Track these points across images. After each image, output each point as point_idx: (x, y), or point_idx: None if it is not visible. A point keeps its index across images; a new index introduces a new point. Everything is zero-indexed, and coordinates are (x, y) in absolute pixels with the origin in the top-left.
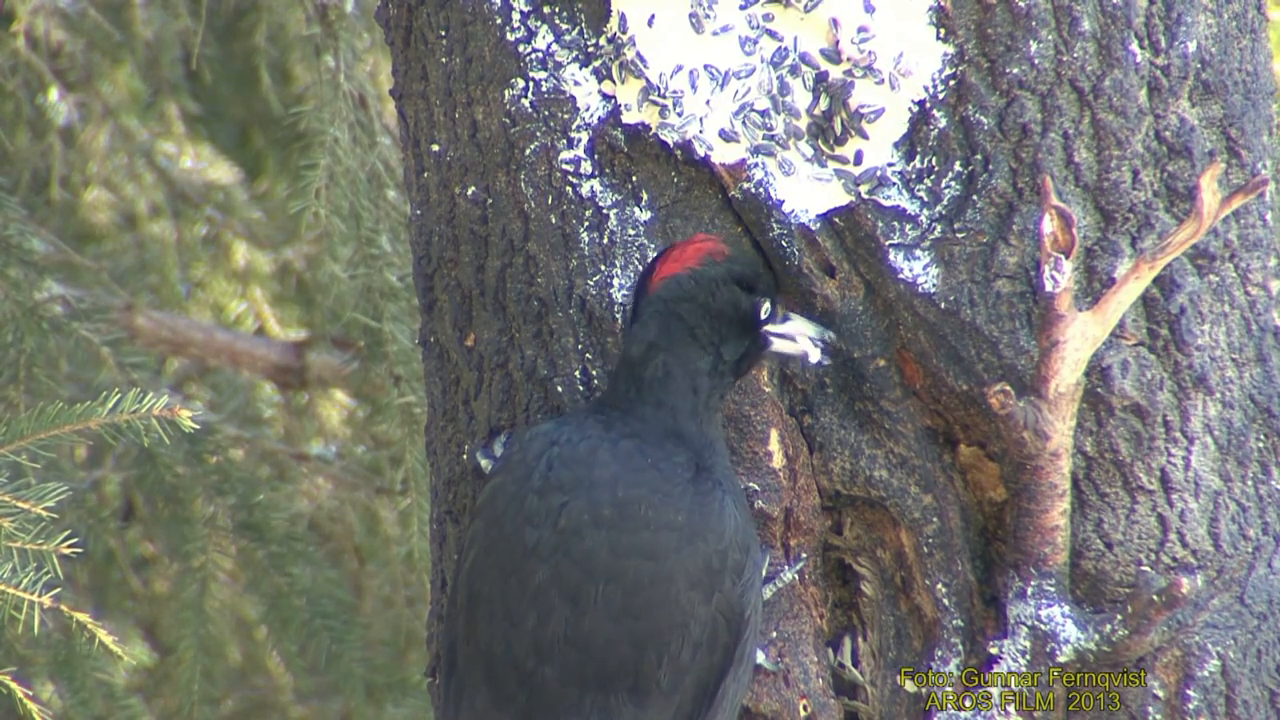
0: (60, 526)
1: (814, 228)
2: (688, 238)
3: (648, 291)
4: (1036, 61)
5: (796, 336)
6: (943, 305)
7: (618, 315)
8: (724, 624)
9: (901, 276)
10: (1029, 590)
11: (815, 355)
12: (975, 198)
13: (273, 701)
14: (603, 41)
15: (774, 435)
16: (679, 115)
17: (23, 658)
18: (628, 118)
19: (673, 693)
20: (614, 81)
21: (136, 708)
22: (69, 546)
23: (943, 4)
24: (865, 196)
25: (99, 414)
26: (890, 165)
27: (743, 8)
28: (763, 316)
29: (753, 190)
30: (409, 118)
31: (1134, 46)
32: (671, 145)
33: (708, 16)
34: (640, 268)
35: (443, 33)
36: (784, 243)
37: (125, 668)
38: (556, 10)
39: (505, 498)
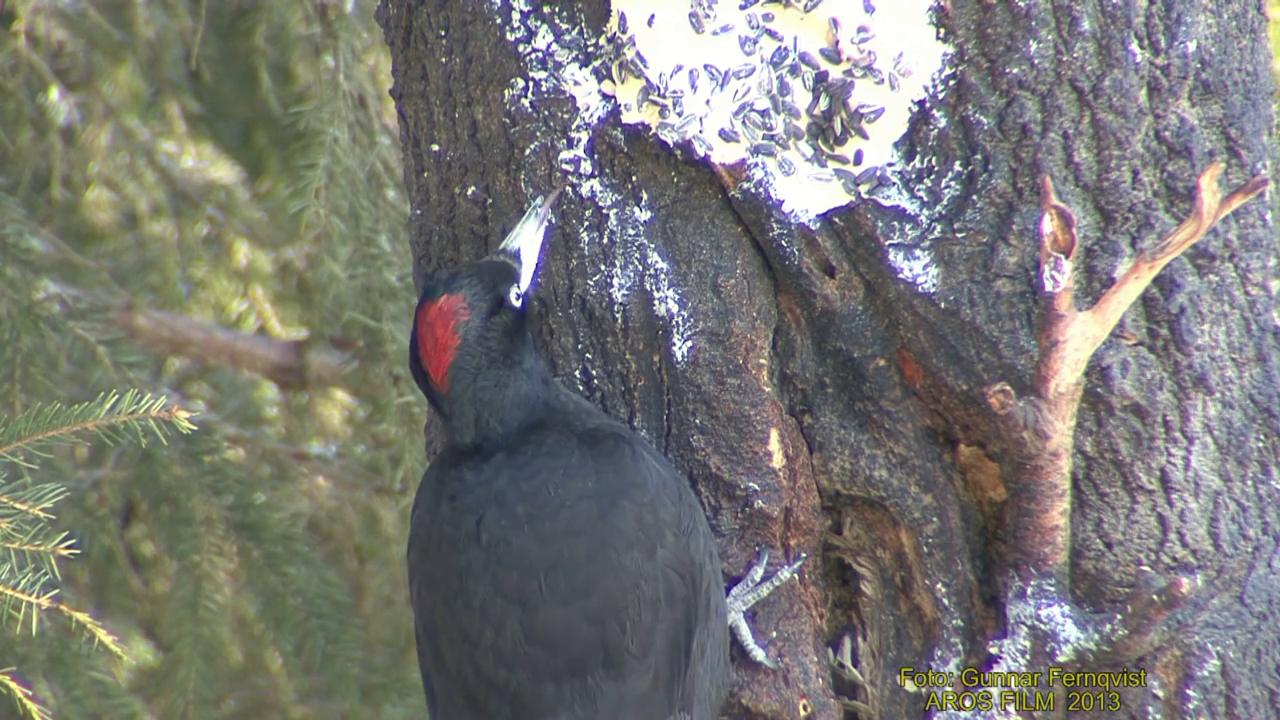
0: (60, 527)
1: (814, 227)
2: (423, 313)
3: (437, 389)
4: (1036, 61)
5: (525, 256)
6: (943, 305)
7: (618, 315)
8: (678, 579)
9: (901, 276)
10: (1029, 590)
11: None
12: (975, 198)
13: (273, 701)
14: (603, 41)
15: (774, 435)
16: (679, 115)
17: (19, 656)
18: (628, 118)
19: (645, 655)
20: (614, 81)
21: (132, 706)
22: (66, 548)
23: (943, 4)
24: (865, 196)
25: (96, 415)
26: (890, 165)
27: (743, 8)
28: (515, 303)
29: (753, 190)
30: (409, 117)
31: (1134, 46)
32: (671, 145)
33: (708, 16)
34: (639, 268)
35: (443, 33)
36: (784, 243)
37: (127, 667)
38: (556, 10)
39: (424, 528)
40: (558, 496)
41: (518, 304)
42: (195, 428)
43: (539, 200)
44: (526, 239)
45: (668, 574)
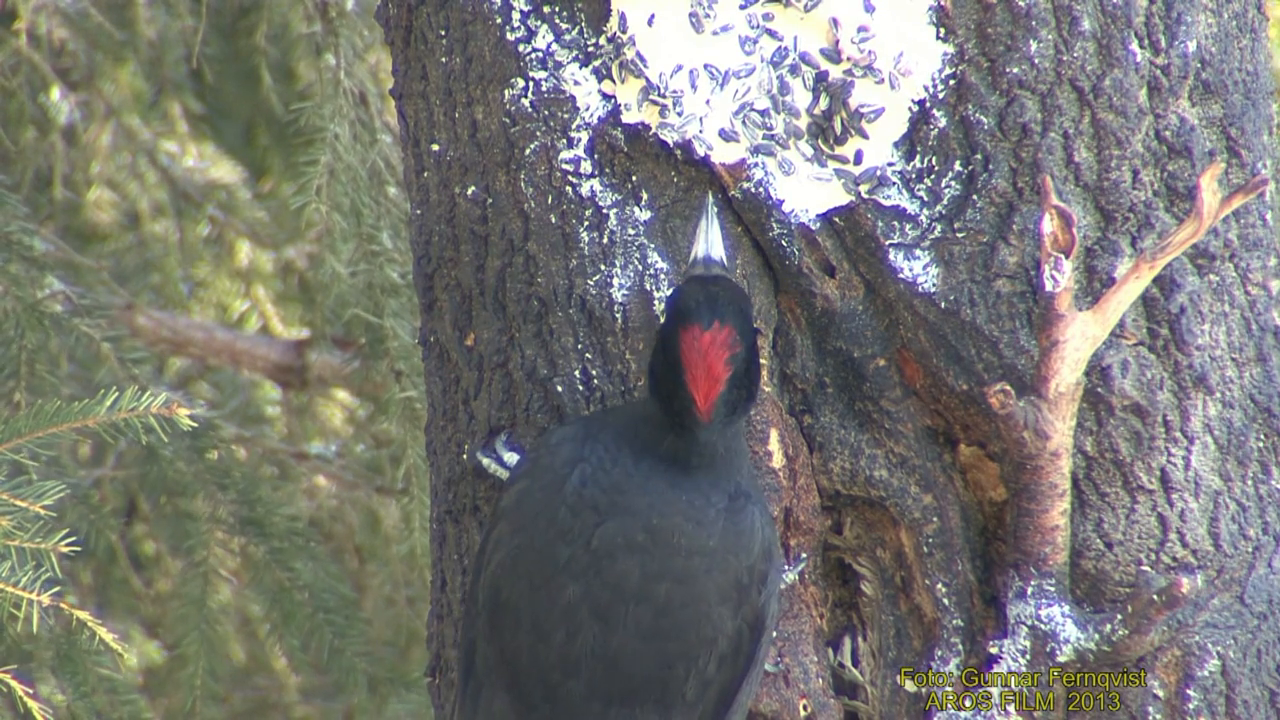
0: (62, 525)
1: (814, 227)
2: (693, 339)
3: (697, 416)
4: (1036, 61)
5: (728, 263)
6: (943, 305)
7: (618, 315)
8: (748, 633)
9: (901, 276)
10: (1029, 590)
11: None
12: (975, 197)
13: (276, 701)
14: (603, 41)
15: (774, 435)
16: (679, 115)
17: (25, 653)
18: (628, 117)
19: (697, 703)
20: (614, 81)
21: (139, 704)
22: (67, 545)
23: (943, 4)
24: (865, 196)
25: (98, 412)
26: (890, 165)
27: (743, 7)
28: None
29: (753, 190)
30: (409, 117)
31: (1134, 46)
32: (671, 145)
33: (708, 16)
34: (640, 268)
35: (443, 32)
36: (784, 242)
37: (131, 666)
38: (556, 10)
39: (534, 505)
40: (679, 544)
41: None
42: (196, 424)
43: (710, 199)
44: (717, 242)
45: (742, 629)
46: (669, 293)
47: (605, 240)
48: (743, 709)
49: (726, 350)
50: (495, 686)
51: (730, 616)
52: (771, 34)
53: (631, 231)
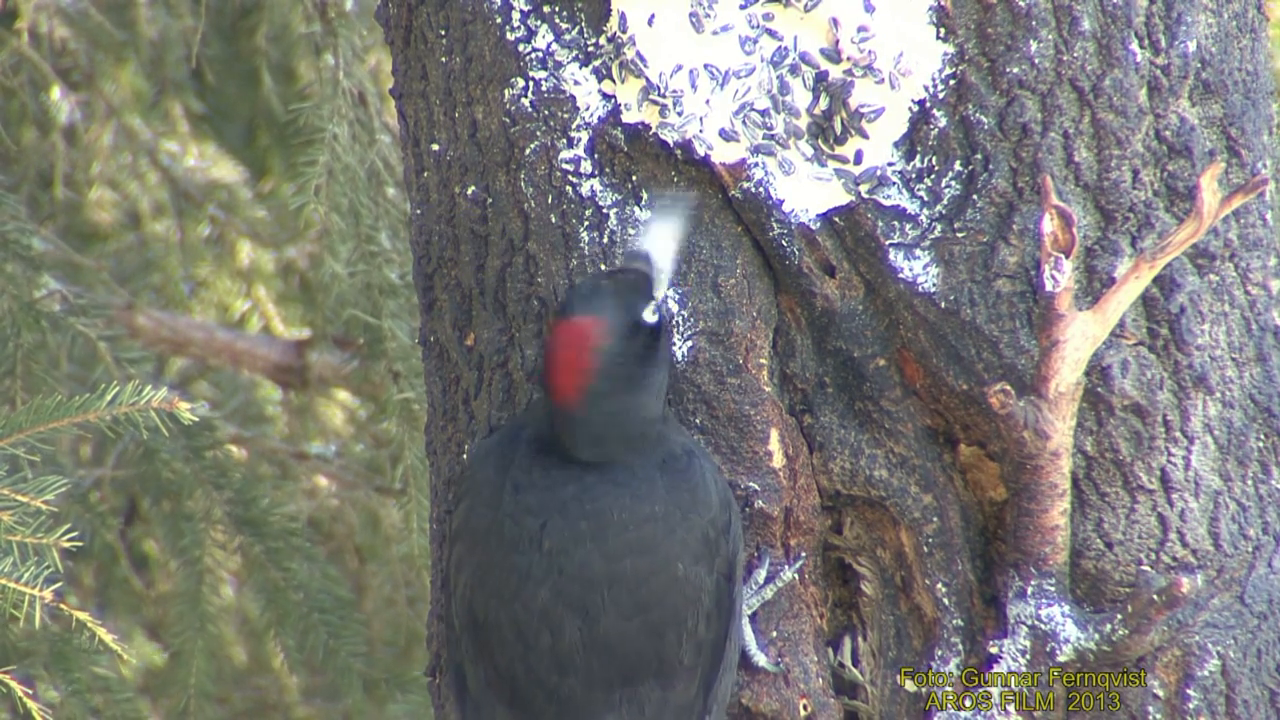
0: (62, 524)
1: (814, 227)
2: (558, 329)
3: (563, 407)
4: (1036, 61)
5: (659, 259)
6: (943, 305)
7: None
8: (725, 584)
9: (901, 276)
10: (1029, 590)
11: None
12: (975, 197)
13: (276, 701)
14: (603, 41)
15: (774, 435)
16: (679, 115)
17: (21, 651)
18: (628, 117)
19: (694, 665)
20: (614, 81)
21: (136, 703)
22: (69, 540)
23: (943, 3)
24: (865, 196)
25: (97, 407)
26: (890, 165)
27: (743, 7)
28: (651, 319)
29: (753, 190)
30: (409, 117)
31: (1134, 46)
32: (671, 145)
33: (708, 16)
34: None
35: (443, 32)
36: (784, 242)
37: (131, 667)
38: (556, 9)
39: (481, 522)
40: (620, 520)
41: (653, 319)
42: (197, 419)
43: (667, 196)
44: (657, 238)
45: (720, 582)
46: (669, 292)
47: (605, 240)
48: (732, 666)
49: (589, 341)
50: (493, 703)
51: (707, 573)
52: (771, 34)
53: (632, 231)
